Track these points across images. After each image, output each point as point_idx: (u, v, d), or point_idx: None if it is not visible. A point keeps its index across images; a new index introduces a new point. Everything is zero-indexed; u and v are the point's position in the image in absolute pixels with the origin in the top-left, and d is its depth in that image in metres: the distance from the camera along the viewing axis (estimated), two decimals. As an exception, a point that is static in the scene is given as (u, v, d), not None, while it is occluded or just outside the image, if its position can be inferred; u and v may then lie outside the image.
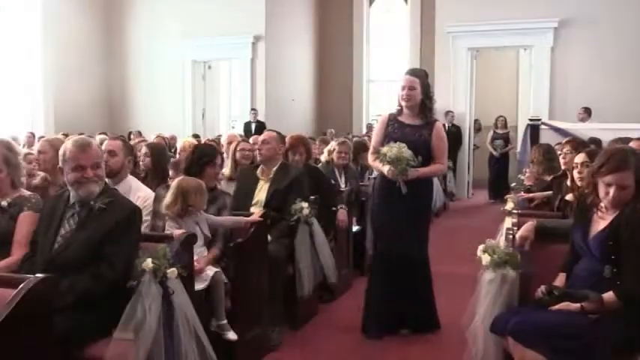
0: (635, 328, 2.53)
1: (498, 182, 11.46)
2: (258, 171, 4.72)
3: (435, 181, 8.14)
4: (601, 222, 2.75)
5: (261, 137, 4.91)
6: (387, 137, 4.22)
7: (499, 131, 11.88)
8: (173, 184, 3.66)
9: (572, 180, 3.98)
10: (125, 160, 3.93)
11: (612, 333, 2.51)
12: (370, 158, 4.34)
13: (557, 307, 2.63)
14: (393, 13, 15.75)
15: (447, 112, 11.91)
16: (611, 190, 2.66)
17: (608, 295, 2.56)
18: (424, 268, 4.43)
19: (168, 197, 3.60)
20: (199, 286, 3.34)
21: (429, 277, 4.46)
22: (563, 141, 5.45)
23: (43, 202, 3.29)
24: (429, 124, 4.25)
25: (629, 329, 2.52)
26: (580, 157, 3.87)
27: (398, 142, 4.02)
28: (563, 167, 4.84)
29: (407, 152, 3.96)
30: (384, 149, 4.03)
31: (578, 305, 2.59)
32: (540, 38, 11.22)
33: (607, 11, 10.64)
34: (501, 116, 12.00)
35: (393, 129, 4.26)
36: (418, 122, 4.27)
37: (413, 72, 4.36)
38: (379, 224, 4.45)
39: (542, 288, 2.77)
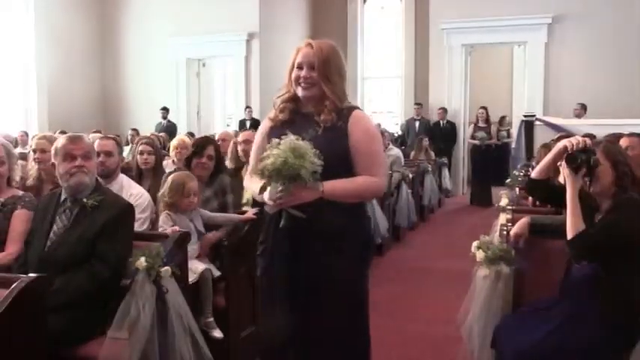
0: (610, 328, 2.54)
1: (484, 182, 10.77)
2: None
3: (404, 191, 7.92)
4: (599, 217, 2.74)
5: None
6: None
7: (481, 125, 11.15)
8: (168, 179, 3.69)
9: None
10: (119, 158, 3.95)
11: (589, 333, 2.52)
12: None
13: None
14: (387, 10, 15.75)
15: (440, 109, 11.88)
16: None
17: (576, 225, 2.56)
18: None
19: (165, 190, 3.61)
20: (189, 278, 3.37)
21: None
22: (556, 137, 5.42)
23: (36, 201, 3.30)
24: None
25: (604, 329, 2.53)
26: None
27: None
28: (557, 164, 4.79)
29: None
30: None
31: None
32: (534, 34, 11.22)
33: (600, 6, 10.65)
34: (482, 108, 11.26)
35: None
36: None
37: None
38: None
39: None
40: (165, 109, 12.55)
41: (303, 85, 2.45)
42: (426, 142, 10.81)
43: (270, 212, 2.38)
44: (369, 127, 2.50)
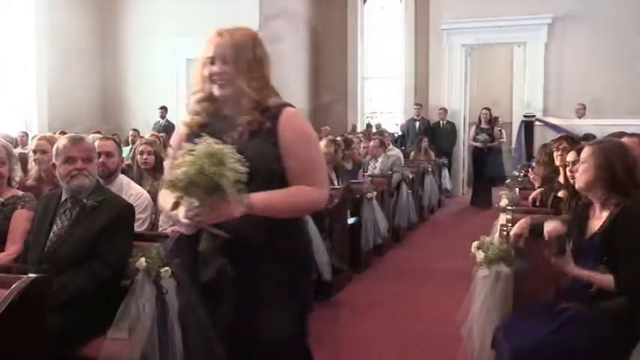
0: (610, 328, 2.53)
1: (484, 183, 10.77)
2: None
3: (404, 192, 7.91)
4: (595, 222, 2.74)
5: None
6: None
7: (483, 126, 10.94)
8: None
9: (565, 177, 3.97)
10: (119, 159, 3.95)
11: (589, 333, 2.51)
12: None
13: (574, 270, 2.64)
14: (387, 10, 15.74)
15: (440, 109, 11.87)
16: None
17: (607, 278, 2.55)
18: None
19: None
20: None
21: None
22: (557, 137, 5.39)
23: (36, 201, 3.30)
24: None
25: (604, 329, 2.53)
26: (571, 156, 3.85)
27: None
28: (558, 163, 4.78)
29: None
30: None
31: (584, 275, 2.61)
32: (535, 34, 11.19)
33: (600, 6, 10.62)
34: (485, 109, 11.10)
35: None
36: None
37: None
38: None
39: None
40: (164, 109, 12.51)
41: (218, 82, 2.06)
42: (425, 142, 10.82)
43: (188, 233, 1.93)
44: (303, 127, 2.09)
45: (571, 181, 3.68)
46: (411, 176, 8.32)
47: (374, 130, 12.28)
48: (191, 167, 1.77)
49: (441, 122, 11.88)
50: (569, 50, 10.93)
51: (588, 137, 6.28)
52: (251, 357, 2.04)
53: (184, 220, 1.85)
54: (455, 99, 11.93)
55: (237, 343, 2.01)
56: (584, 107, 10.32)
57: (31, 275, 2.37)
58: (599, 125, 7.96)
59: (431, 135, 11.53)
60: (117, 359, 2.62)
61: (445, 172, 11.18)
